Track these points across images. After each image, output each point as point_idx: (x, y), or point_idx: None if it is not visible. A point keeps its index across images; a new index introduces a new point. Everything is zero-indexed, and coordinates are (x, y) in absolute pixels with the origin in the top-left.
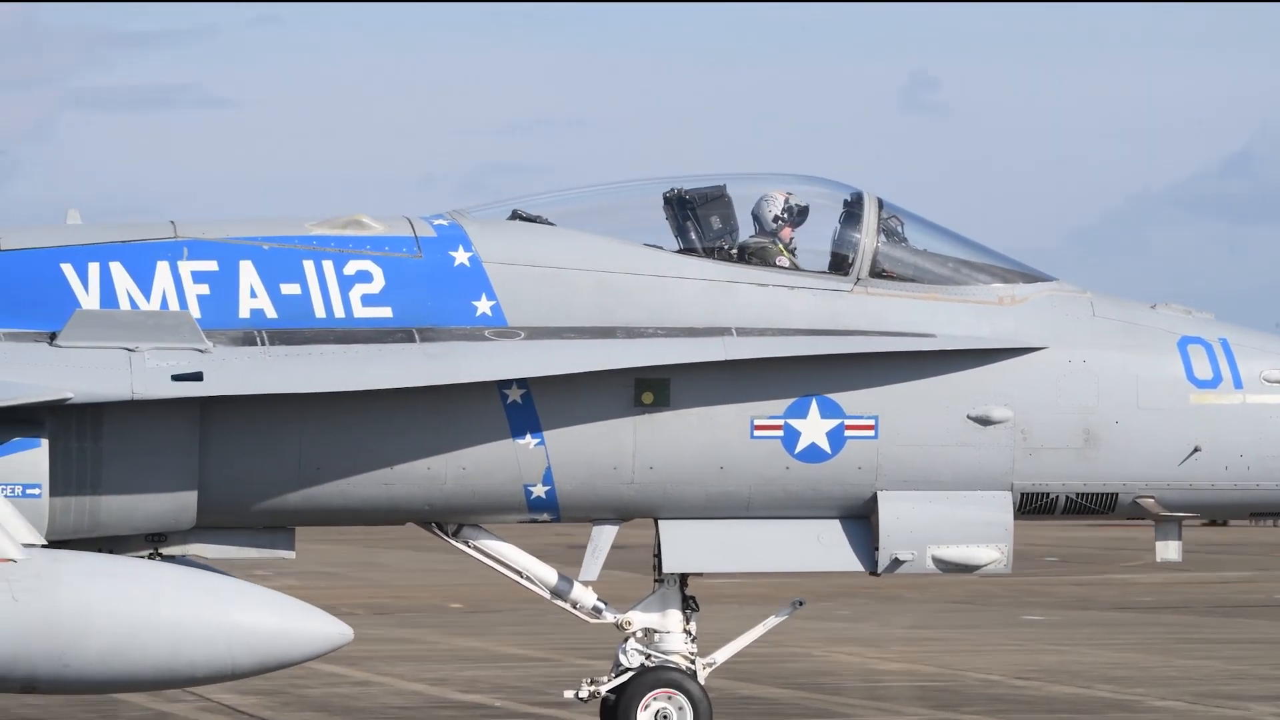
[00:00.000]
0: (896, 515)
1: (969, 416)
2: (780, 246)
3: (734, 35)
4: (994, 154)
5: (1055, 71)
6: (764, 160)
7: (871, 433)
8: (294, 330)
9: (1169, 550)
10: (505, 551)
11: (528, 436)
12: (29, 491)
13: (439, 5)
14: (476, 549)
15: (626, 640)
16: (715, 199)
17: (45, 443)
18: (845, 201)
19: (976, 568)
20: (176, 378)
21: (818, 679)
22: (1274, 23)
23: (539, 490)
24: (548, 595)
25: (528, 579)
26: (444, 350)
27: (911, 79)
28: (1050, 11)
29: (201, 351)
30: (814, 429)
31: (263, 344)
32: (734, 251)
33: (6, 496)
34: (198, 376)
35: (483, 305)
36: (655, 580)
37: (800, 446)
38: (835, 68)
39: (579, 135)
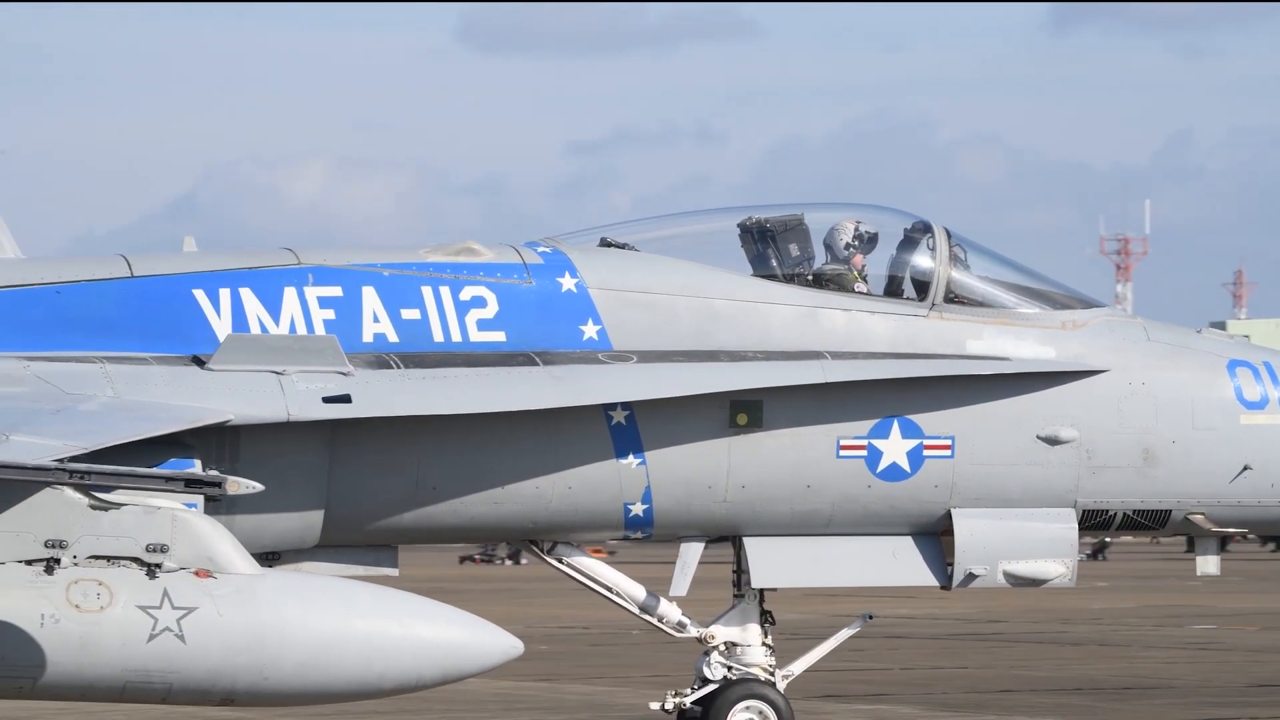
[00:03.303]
0: (971, 531)
1: (1038, 437)
2: (855, 273)
3: None
4: None
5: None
6: None
7: (948, 452)
8: (422, 354)
9: (1209, 565)
10: (596, 568)
11: (630, 456)
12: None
13: None
14: (569, 566)
15: (709, 654)
16: (794, 227)
17: (198, 463)
18: (906, 230)
19: (1044, 582)
20: (327, 400)
21: None
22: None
23: (637, 509)
24: (636, 610)
25: (617, 595)
26: (567, 373)
27: None
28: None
29: (345, 375)
30: (895, 449)
31: (395, 367)
32: (811, 278)
33: None
34: (346, 399)
35: (589, 330)
36: (735, 595)
37: (882, 466)
38: None
39: None
